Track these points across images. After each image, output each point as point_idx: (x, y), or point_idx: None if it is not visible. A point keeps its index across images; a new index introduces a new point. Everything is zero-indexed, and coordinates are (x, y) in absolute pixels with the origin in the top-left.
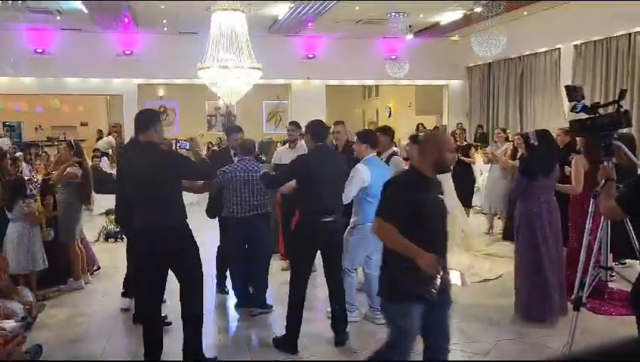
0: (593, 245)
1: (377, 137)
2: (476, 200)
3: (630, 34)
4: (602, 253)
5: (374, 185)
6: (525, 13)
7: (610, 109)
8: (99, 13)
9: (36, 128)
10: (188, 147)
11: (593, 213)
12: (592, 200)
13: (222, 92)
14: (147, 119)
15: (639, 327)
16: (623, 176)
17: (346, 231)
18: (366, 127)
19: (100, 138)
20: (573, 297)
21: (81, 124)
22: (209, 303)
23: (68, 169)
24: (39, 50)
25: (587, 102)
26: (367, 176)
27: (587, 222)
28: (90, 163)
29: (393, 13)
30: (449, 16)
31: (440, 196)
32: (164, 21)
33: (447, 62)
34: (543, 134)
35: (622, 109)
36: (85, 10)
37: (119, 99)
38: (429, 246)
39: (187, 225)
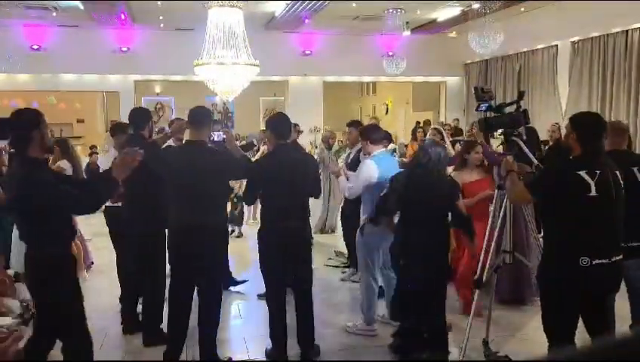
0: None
1: (381, 132)
2: None
3: (627, 31)
4: (504, 238)
5: (383, 182)
6: (522, 9)
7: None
8: (95, 9)
9: None
10: (222, 139)
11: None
12: (496, 191)
13: (219, 89)
14: (201, 116)
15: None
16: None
17: (357, 233)
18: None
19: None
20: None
21: (78, 121)
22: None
23: (56, 164)
24: (35, 47)
25: (585, 99)
26: (375, 173)
27: (492, 208)
28: (88, 159)
29: (390, 10)
30: (446, 12)
31: None
32: (161, 17)
33: (445, 59)
34: (530, 131)
35: (521, 109)
36: (82, 7)
37: (116, 95)
38: None
39: (227, 227)
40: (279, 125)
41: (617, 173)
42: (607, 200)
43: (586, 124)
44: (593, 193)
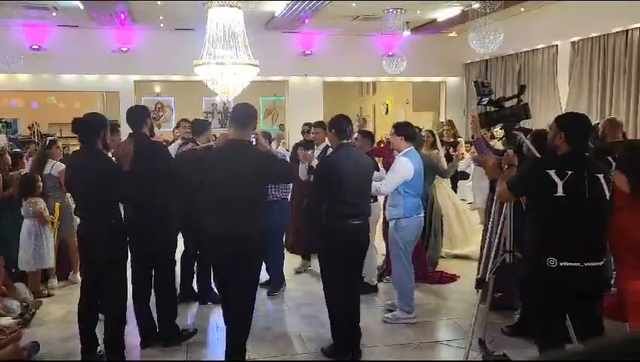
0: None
1: (414, 130)
2: (471, 197)
3: (627, 30)
4: (504, 238)
5: (416, 178)
6: (522, 9)
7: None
8: (95, 9)
9: (31, 125)
10: (254, 143)
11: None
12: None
13: (219, 89)
14: (246, 115)
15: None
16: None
17: (390, 229)
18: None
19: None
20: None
21: None
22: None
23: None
24: (35, 47)
25: (585, 99)
26: (411, 169)
27: (492, 210)
28: None
29: (390, 10)
30: (446, 12)
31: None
32: (161, 17)
33: (445, 59)
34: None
35: (522, 103)
36: (82, 7)
37: (116, 95)
38: None
39: (264, 232)
40: (342, 125)
41: (601, 176)
42: (577, 201)
43: (573, 125)
44: (560, 193)
